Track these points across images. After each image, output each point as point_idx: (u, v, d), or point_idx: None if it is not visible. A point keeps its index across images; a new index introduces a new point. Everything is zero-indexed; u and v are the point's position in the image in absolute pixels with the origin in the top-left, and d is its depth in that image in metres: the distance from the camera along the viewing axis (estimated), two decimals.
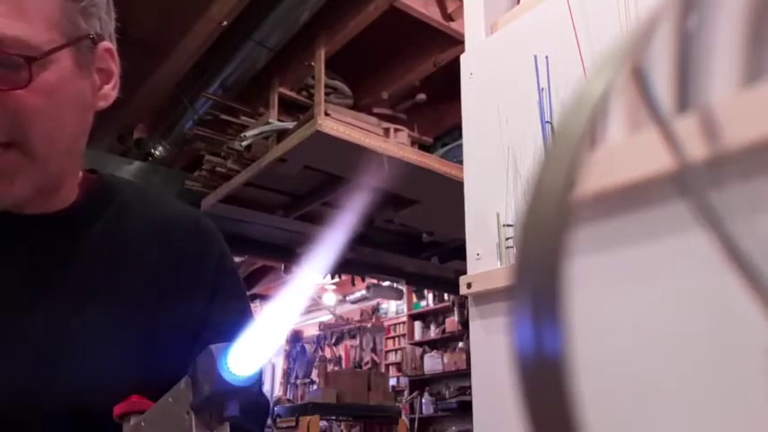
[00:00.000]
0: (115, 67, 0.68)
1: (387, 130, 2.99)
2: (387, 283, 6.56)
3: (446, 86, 2.23)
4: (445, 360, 7.39)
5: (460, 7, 2.37)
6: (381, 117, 3.10)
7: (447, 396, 7.19)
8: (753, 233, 0.27)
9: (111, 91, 0.68)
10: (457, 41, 2.69)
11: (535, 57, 1.00)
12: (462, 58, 1.22)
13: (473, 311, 1.07)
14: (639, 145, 0.69)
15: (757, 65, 0.59)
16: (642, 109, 0.28)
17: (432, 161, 2.99)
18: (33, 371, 0.60)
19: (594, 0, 0.95)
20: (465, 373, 6.74)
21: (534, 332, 0.18)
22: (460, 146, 1.19)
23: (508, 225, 1.02)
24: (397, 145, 2.93)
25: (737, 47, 0.60)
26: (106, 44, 0.66)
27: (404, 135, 3.02)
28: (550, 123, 0.96)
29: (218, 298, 0.72)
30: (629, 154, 0.71)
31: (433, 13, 2.73)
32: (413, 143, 3.09)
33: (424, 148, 3.19)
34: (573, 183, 0.19)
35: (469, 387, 1.09)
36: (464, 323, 7.09)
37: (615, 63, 0.22)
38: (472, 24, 1.24)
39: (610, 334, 0.73)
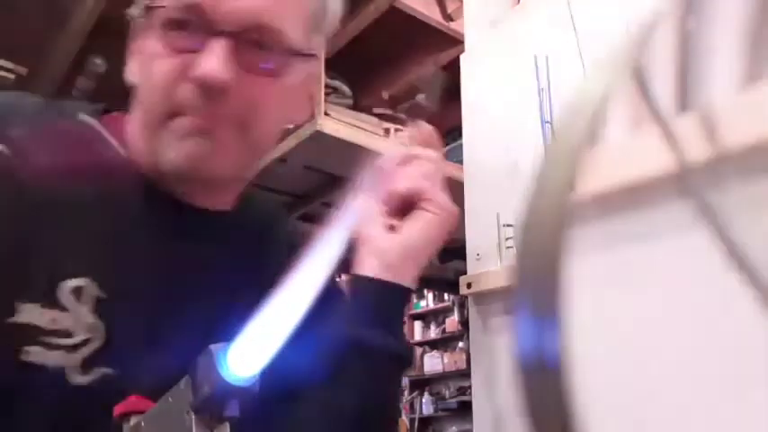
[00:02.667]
0: (314, 91, 0.71)
1: (387, 130, 2.99)
2: None
3: (446, 86, 2.23)
4: (445, 360, 7.39)
5: (460, 7, 2.37)
6: (381, 117, 3.10)
7: (447, 396, 7.19)
8: (753, 233, 0.27)
9: (306, 113, 0.70)
10: (457, 41, 2.69)
11: (535, 57, 1.00)
12: (462, 58, 1.22)
13: (473, 311, 1.07)
14: (639, 145, 0.69)
15: (757, 65, 0.59)
16: (642, 109, 0.28)
17: None
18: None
19: (594, 0, 0.95)
20: (465, 373, 6.73)
21: (534, 332, 0.18)
22: (460, 146, 1.18)
23: (508, 225, 1.02)
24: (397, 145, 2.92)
25: (737, 47, 0.60)
26: (317, 67, 0.69)
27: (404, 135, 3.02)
28: (550, 123, 0.95)
29: None
30: (629, 154, 0.70)
31: (433, 13, 2.73)
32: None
33: None
34: (573, 183, 0.19)
35: (469, 387, 1.09)
36: (464, 323, 7.09)
37: (615, 64, 0.22)
38: (472, 24, 1.24)
39: (610, 334, 0.73)
